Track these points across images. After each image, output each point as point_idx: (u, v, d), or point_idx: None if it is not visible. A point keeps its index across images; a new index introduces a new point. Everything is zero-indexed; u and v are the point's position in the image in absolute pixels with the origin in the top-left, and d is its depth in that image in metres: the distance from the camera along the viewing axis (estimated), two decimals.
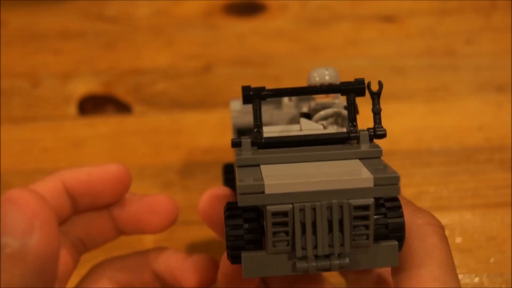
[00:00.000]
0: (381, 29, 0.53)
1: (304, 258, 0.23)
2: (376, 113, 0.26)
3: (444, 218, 0.34)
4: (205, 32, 0.54)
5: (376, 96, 0.26)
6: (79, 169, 0.28)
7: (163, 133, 0.45)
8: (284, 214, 0.22)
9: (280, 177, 0.23)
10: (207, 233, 0.33)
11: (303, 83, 0.28)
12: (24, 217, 0.22)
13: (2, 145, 0.45)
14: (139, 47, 0.53)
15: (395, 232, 0.24)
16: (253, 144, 0.25)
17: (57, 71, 0.51)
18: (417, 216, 0.25)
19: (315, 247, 0.23)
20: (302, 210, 0.22)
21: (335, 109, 0.27)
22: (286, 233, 0.23)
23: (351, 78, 0.26)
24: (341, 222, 0.23)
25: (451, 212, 0.38)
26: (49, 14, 0.56)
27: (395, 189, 0.22)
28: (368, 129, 0.26)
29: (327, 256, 0.23)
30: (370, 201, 0.22)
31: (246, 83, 0.26)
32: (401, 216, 0.24)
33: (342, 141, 0.26)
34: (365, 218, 0.22)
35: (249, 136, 0.26)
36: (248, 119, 0.32)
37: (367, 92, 0.26)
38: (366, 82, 0.26)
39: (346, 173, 0.23)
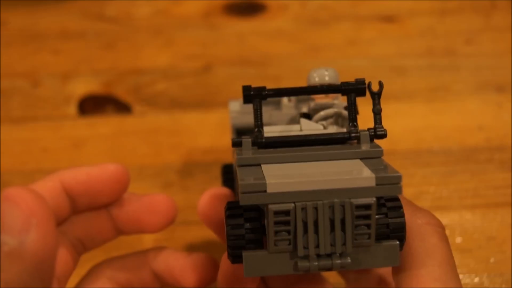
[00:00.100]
0: (381, 29, 0.53)
1: (306, 257, 0.23)
2: (377, 113, 0.26)
3: (444, 218, 0.34)
4: (205, 32, 0.54)
5: (376, 96, 0.26)
6: (77, 169, 0.28)
7: (163, 133, 0.45)
8: (286, 213, 0.22)
9: (282, 176, 0.23)
10: (207, 233, 0.33)
11: (303, 83, 0.28)
12: (21, 215, 0.22)
13: (2, 145, 0.45)
14: (139, 47, 0.53)
15: (396, 232, 0.24)
16: (253, 144, 0.25)
17: (57, 71, 0.51)
18: (417, 216, 0.25)
19: (317, 246, 0.23)
20: (304, 209, 0.22)
21: (336, 109, 0.27)
22: (288, 232, 0.23)
23: (351, 78, 0.26)
24: (343, 221, 0.23)
25: (451, 212, 0.38)
26: (49, 14, 0.56)
27: (397, 188, 0.22)
28: (368, 129, 0.26)
29: (328, 256, 0.23)
30: (372, 200, 0.22)
31: (246, 83, 0.26)
32: (402, 216, 0.24)
33: (343, 141, 0.26)
34: (367, 217, 0.22)
35: (249, 136, 0.26)
36: (247, 119, 0.33)
37: (367, 92, 0.26)
38: (366, 82, 0.26)
39: (348, 173, 0.23)
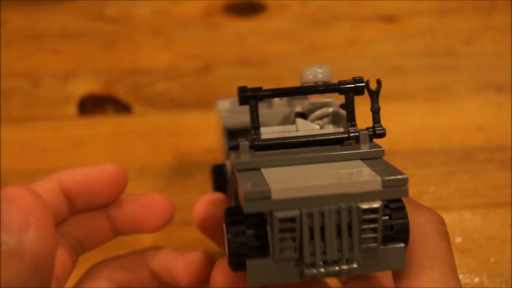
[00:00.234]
0: (381, 29, 0.53)
1: (312, 264, 0.22)
2: (375, 111, 0.25)
3: (444, 218, 0.34)
4: (205, 32, 0.54)
5: (375, 95, 0.25)
6: (75, 170, 0.28)
7: (163, 133, 0.45)
8: (292, 220, 0.22)
9: (286, 182, 0.22)
10: None
11: None
12: (19, 214, 0.22)
13: (2, 145, 0.45)
14: (139, 47, 0.53)
15: (400, 233, 0.23)
16: (251, 146, 0.25)
17: (57, 71, 0.51)
18: (416, 214, 0.24)
19: (324, 252, 0.22)
20: (310, 215, 0.22)
21: (333, 108, 0.27)
22: (293, 239, 0.22)
23: (350, 78, 0.26)
24: (349, 226, 0.22)
25: (451, 212, 0.38)
26: (49, 14, 0.56)
27: (404, 190, 0.22)
28: (367, 128, 0.25)
29: (335, 261, 0.22)
30: (379, 203, 0.22)
31: (246, 83, 0.26)
32: (406, 217, 0.23)
33: (341, 141, 0.25)
34: (374, 221, 0.22)
35: (242, 137, 0.25)
36: (239, 119, 0.32)
37: (365, 91, 0.25)
38: (364, 80, 0.25)
39: (353, 176, 0.22)
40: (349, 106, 0.25)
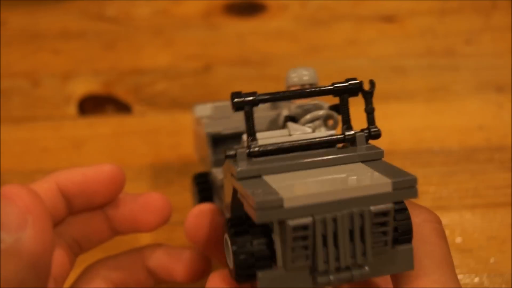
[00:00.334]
0: (381, 29, 0.53)
1: (325, 271, 0.22)
2: (370, 112, 0.25)
3: (444, 218, 0.34)
4: (205, 32, 0.54)
5: (368, 96, 0.25)
6: (73, 170, 0.28)
7: (163, 133, 0.45)
8: (305, 227, 0.21)
9: (295, 189, 0.22)
10: None
11: None
12: (17, 212, 0.22)
13: (2, 145, 0.45)
14: (139, 47, 0.53)
15: (404, 234, 0.23)
16: (249, 154, 0.24)
17: (57, 71, 0.51)
18: (414, 214, 0.24)
19: (337, 259, 0.22)
20: (323, 222, 0.21)
21: (326, 111, 0.27)
22: (305, 247, 0.22)
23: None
24: (361, 231, 0.22)
25: (451, 212, 0.38)
26: (49, 14, 0.56)
27: (413, 191, 0.22)
28: (362, 130, 0.25)
29: (347, 267, 0.22)
30: (390, 206, 0.22)
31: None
32: (409, 218, 0.23)
33: (337, 144, 0.25)
34: (384, 224, 0.22)
35: (227, 144, 0.24)
36: (223, 125, 0.31)
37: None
38: (359, 81, 0.25)
39: (362, 179, 0.22)
40: (343, 108, 0.25)
